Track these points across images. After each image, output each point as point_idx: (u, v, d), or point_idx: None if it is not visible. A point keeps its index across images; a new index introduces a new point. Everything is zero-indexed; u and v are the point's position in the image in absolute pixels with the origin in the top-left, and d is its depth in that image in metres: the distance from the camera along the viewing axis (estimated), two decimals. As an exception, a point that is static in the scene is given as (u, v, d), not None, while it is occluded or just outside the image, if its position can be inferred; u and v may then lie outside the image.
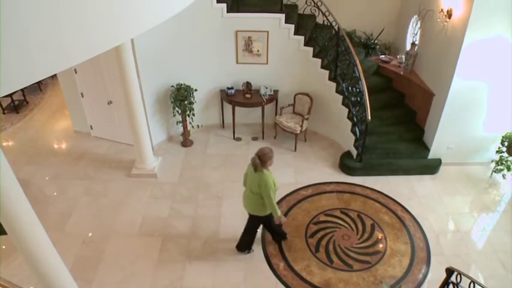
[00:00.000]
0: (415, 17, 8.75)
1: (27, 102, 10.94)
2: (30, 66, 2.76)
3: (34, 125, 10.01)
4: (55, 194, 7.71)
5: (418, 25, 8.53)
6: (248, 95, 8.84)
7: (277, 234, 6.60)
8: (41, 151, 8.95)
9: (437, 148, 8.09)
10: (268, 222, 6.19)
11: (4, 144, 9.21)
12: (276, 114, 9.17)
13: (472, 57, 6.89)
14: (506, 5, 6.41)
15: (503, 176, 7.86)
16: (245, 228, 6.30)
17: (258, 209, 5.83)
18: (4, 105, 10.56)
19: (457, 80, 7.14)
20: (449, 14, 7.07)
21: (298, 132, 8.57)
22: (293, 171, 8.22)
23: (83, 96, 8.74)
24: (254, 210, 5.89)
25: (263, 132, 9.22)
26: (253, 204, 5.83)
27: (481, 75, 7.15)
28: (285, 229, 6.70)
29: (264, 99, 8.74)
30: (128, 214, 7.22)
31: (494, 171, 8.00)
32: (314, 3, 8.14)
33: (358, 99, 7.82)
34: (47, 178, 8.12)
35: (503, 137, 7.82)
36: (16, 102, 10.61)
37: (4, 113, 10.49)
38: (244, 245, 6.46)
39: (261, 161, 5.43)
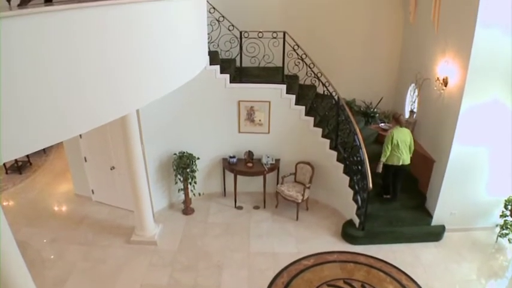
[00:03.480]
0: (413, 85, 9.02)
1: (31, 164, 11.03)
2: (33, 135, 2.78)
3: (36, 186, 10.03)
4: (52, 257, 7.56)
5: (416, 93, 8.77)
6: (250, 164, 8.89)
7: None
8: (41, 213, 8.90)
9: (440, 214, 8.00)
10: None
11: (4, 204, 9.17)
12: (277, 183, 9.16)
13: (470, 122, 7.03)
14: (500, 69, 6.64)
15: (509, 240, 7.69)
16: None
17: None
18: (7, 165, 10.63)
19: (457, 145, 7.23)
20: (445, 82, 7.29)
21: (300, 201, 8.52)
22: (295, 241, 8.08)
23: (86, 161, 8.82)
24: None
25: (265, 201, 9.16)
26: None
27: (480, 140, 7.24)
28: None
29: (266, 168, 8.78)
30: (126, 282, 7.03)
31: (500, 236, 7.85)
32: (314, 74, 8.41)
33: (359, 167, 7.85)
34: (45, 241, 8.00)
35: (506, 200, 7.76)
36: (19, 163, 10.70)
37: (7, 173, 10.54)
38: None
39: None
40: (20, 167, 10.67)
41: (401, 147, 7.79)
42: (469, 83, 6.68)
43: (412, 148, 7.96)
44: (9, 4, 2.57)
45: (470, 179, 7.65)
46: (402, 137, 7.80)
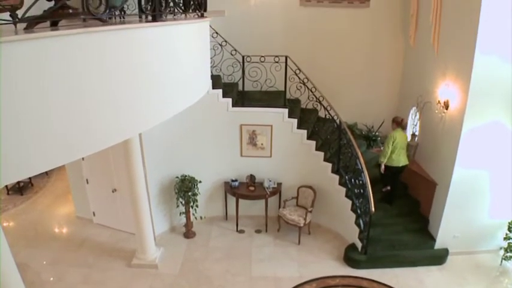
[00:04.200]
0: (414, 108, 9.07)
1: (32, 185, 11.04)
2: (35, 158, 2.79)
3: (37, 208, 10.02)
4: (52, 279, 7.51)
5: (417, 116, 8.81)
6: (252, 188, 8.89)
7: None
8: (41, 235, 8.87)
9: (443, 238, 7.95)
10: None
11: (5, 224, 9.14)
12: (279, 207, 9.13)
13: (471, 145, 7.07)
14: (500, 93, 6.71)
15: (514, 262, 7.64)
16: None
17: None
18: (9, 186, 10.63)
19: (459, 168, 7.24)
20: (446, 105, 7.35)
21: (302, 225, 8.48)
22: (297, 265, 8.01)
23: (88, 183, 8.84)
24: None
25: (266, 225, 9.12)
26: None
27: (482, 163, 7.26)
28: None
29: (268, 192, 8.77)
30: (126, 306, 6.98)
31: (504, 259, 7.76)
32: (316, 98, 8.47)
33: (361, 191, 7.85)
34: (44, 263, 7.96)
35: (509, 223, 7.71)
36: (21, 184, 10.70)
37: (8, 194, 10.54)
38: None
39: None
40: (21, 188, 10.67)
41: (399, 149, 8.17)
42: (470, 106, 6.75)
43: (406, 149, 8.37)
44: (16, 27, 2.61)
45: (473, 201, 7.63)
46: (401, 139, 8.19)
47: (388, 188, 8.63)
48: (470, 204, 7.64)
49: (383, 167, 8.32)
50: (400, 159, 8.23)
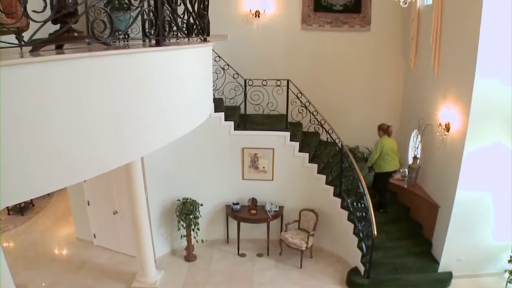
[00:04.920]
0: (415, 131, 9.11)
1: (33, 205, 11.01)
2: (36, 180, 2.79)
3: (37, 228, 9.97)
4: (50, 302, 7.45)
5: (419, 139, 8.84)
6: (253, 211, 8.86)
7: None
8: (41, 256, 8.81)
9: (446, 261, 7.87)
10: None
11: (4, 245, 9.09)
12: (281, 231, 9.07)
13: (473, 167, 7.06)
14: (501, 115, 6.74)
15: (519, 285, 7.52)
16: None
17: None
18: (10, 206, 10.57)
19: (461, 190, 7.22)
20: (447, 128, 7.37)
21: (304, 248, 8.43)
22: (299, 289, 7.96)
23: (89, 204, 8.83)
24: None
25: (268, 249, 9.05)
26: None
27: (484, 185, 7.24)
28: None
29: (269, 216, 8.74)
30: (125, 331, 6.90)
31: (509, 282, 7.62)
32: (318, 121, 8.51)
33: (364, 214, 7.82)
34: (43, 284, 7.89)
35: (514, 245, 7.64)
36: (22, 205, 10.62)
37: (9, 214, 10.49)
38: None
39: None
40: (22, 208, 10.63)
41: (391, 154, 8.55)
42: (471, 129, 6.78)
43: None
44: (21, 49, 2.64)
45: (476, 224, 7.57)
46: (391, 145, 8.59)
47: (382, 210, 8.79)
48: (473, 226, 7.58)
49: (369, 167, 8.86)
50: (392, 164, 8.62)
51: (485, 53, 6.38)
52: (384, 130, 8.65)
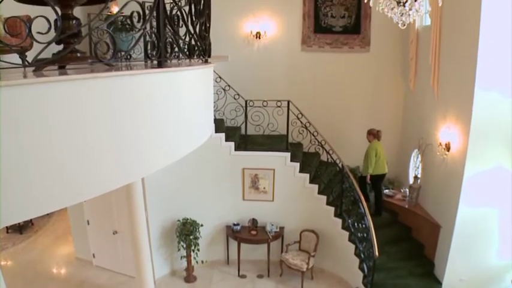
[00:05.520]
0: (416, 151, 9.14)
1: (33, 224, 10.93)
2: (37, 200, 2.78)
3: (36, 247, 9.89)
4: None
5: (419, 159, 8.86)
6: (254, 232, 8.82)
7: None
8: (39, 275, 8.72)
9: (449, 281, 7.78)
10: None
11: (3, 263, 9.01)
12: (281, 251, 9.01)
13: (474, 186, 7.06)
14: (501, 133, 6.76)
15: (523, 306, 7.43)
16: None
17: None
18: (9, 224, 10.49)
19: (463, 210, 7.20)
20: (447, 147, 7.40)
21: (305, 269, 8.36)
22: (300, 311, 7.88)
23: (88, 224, 8.79)
24: None
25: (268, 270, 8.97)
26: None
27: (486, 203, 7.22)
28: None
29: (270, 236, 8.70)
30: None
31: (513, 302, 7.58)
32: (318, 142, 8.55)
33: (365, 235, 7.79)
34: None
35: (518, 264, 7.56)
36: (21, 223, 10.52)
37: (8, 232, 10.41)
38: None
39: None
40: (21, 227, 10.55)
41: (382, 157, 8.78)
42: (471, 148, 6.82)
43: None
44: (24, 69, 2.67)
45: (478, 243, 7.51)
46: (381, 149, 8.81)
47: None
48: (476, 245, 7.52)
49: (369, 177, 8.80)
50: (383, 167, 8.86)
51: (484, 66, 6.46)
52: (374, 135, 8.88)
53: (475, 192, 7.11)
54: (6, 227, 10.44)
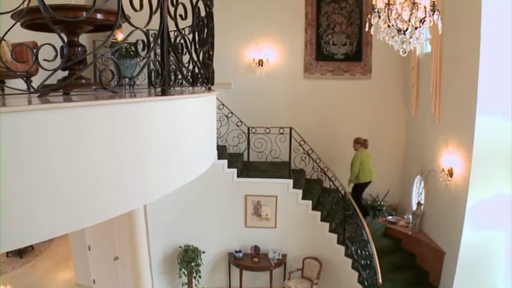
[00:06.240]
0: (418, 177, 9.13)
1: (33, 248, 10.82)
2: (38, 226, 2.78)
3: (36, 272, 9.78)
4: None
5: (422, 185, 8.85)
6: (256, 259, 8.75)
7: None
8: (37, 300, 8.59)
9: (454, 309, 7.67)
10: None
11: (2, 287, 8.90)
12: (284, 279, 8.93)
13: (478, 211, 6.98)
14: (504, 158, 6.75)
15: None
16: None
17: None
18: (9, 248, 10.41)
19: (467, 235, 7.10)
20: (450, 173, 7.38)
21: (308, 297, 8.28)
22: None
23: (89, 249, 8.72)
24: None
25: (271, 298, 8.90)
26: None
27: (491, 228, 7.14)
28: None
29: (272, 264, 8.62)
30: None
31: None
32: (321, 169, 8.56)
33: (368, 262, 7.72)
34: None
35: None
36: (21, 247, 10.45)
37: (7, 256, 10.31)
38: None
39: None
40: (21, 251, 10.44)
41: (368, 165, 8.97)
42: (474, 173, 6.78)
43: None
44: (29, 95, 2.70)
45: (484, 269, 7.39)
46: (367, 158, 9.03)
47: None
48: (482, 271, 7.38)
49: (352, 185, 9.10)
50: (369, 175, 9.09)
51: (485, 91, 6.48)
52: (361, 143, 9.08)
53: (479, 218, 7.05)
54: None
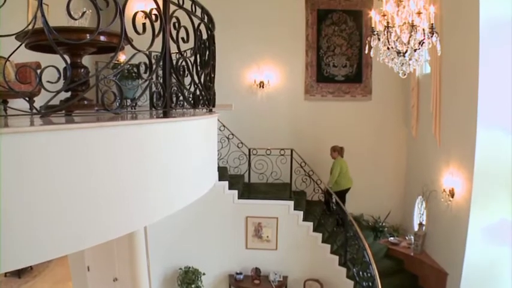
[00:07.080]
0: (420, 197, 9.11)
1: (32, 268, 10.64)
2: (39, 247, 2.77)
3: (34, 293, 9.60)
4: None
5: (424, 205, 8.82)
6: (257, 281, 8.66)
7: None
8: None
9: (458, 331, 7.56)
10: None
11: (-2, 307, 8.80)
12: (285, 301, 8.86)
13: (480, 232, 6.96)
14: (505, 177, 6.73)
15: None
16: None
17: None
18: (7, 267, 10.30)
19: (470, 255, 7.06)
20: (451, 193, 7.38)
21: (309, 320, 8.19)
22: None
23: (89, 270, 8.62)
24: None
25: (272, 321, 8.79)
26: None
27: (494, 248, 7.08)
28: None
29: (273, 286, 8.53)
30: None
31: None
32: (322, 190, 8.53)
33: (370, 284, 7.64)
34: None
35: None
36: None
37: (6, 276, 10.17)
38: None
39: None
40: (19, 271, 10.27)
41: (347, 173, 9.25)
42: (476, 193, 6.79)
43: None
44: (31, 115, 2.71)
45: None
46: (345, 165, 9.27)
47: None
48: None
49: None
50: (349, 181, 9.36)
51: (485, 110, 6.55)
52: (339, 151, 9.33)
53: (482, 238, 7.02)
54: (5, 271, 10.26)
